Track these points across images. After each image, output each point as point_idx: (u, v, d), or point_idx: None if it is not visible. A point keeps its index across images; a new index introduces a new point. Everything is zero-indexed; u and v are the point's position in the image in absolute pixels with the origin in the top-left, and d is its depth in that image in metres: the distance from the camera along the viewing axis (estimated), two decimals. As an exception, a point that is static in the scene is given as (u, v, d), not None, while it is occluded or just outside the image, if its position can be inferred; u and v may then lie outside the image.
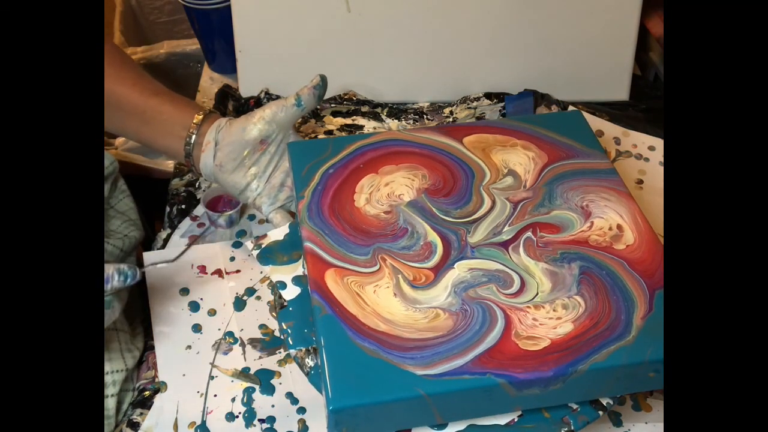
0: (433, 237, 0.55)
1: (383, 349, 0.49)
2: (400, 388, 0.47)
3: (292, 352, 0.54)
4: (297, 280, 0.57)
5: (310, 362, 0.53)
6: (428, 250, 0.55)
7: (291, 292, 0.57)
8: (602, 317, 0.50)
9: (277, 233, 0.61)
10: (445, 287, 0.52)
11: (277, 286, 0.57)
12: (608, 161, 0.61)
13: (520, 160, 0.61)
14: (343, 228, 0.56)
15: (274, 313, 0.57)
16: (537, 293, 0.52)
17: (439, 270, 0.53)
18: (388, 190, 0.59)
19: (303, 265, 0.57)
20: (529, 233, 0.56)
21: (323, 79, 0.65)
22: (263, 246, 0.60)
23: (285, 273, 0.58)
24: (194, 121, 0.65)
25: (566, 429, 0.50)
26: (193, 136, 0.65)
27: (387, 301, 0.51)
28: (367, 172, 0.61)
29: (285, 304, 0.56)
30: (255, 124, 0.64)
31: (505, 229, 0.56)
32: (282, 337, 0.55)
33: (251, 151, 0.65)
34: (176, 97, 0.68)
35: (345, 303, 0.51)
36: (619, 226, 0.56)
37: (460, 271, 0.53)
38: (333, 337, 0.49)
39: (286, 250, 0.60)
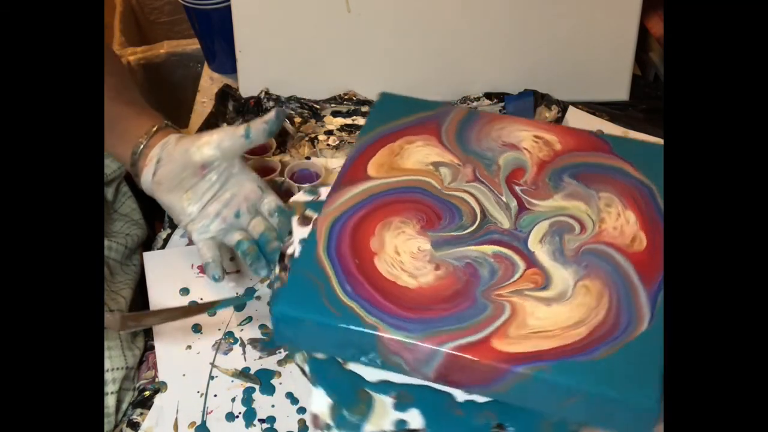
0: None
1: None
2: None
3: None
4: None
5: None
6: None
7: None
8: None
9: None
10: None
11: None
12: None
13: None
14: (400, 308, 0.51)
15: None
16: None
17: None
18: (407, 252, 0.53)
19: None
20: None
21: (278, 114, 0.62)
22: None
23: None
24: (145, 132, 0.63)
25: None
26: (141, 147, 0.63)
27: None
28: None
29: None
30: (199, 148, 0.61)
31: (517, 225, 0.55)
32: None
33: (190, 174, 0.62)
34: (146, 109, 0.66)
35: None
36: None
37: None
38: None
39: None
